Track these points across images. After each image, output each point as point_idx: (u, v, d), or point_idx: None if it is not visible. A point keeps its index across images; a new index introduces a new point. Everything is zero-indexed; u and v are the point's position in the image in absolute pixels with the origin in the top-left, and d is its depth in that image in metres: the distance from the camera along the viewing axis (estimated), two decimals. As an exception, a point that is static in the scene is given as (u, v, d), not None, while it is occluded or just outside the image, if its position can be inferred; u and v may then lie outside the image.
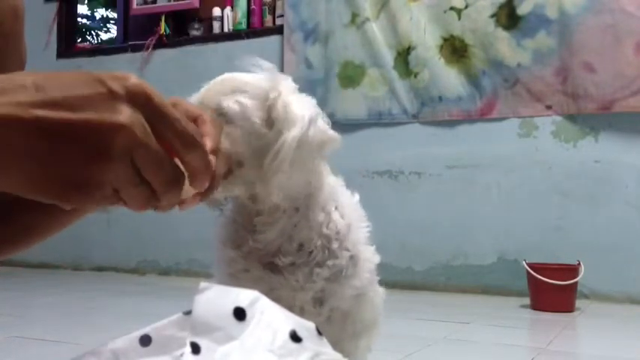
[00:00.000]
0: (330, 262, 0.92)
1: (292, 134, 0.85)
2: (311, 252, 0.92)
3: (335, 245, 0.93)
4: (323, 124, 0.90)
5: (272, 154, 0.86)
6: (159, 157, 0.44)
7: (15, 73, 0.42)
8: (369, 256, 0.99)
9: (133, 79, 0.45)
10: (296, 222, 0.92)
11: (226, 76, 0.91)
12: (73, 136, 0.40)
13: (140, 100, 0.44)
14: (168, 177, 0.45)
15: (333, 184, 0.97)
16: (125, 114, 0.42)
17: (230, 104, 0.86)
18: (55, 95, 0.40)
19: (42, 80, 0.41)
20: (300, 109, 0.88)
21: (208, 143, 0.51)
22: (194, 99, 0.89)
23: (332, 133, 0.91)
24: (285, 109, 0.87)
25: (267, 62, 0.90)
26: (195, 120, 0.53)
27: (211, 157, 0.50)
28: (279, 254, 0.92)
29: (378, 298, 1.04)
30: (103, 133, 0.41)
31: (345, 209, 0.96)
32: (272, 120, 0.87)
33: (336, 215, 0.94)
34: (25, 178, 0.40)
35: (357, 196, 1.01)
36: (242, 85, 0.89)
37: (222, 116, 0.86)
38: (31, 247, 0.61)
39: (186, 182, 0.48)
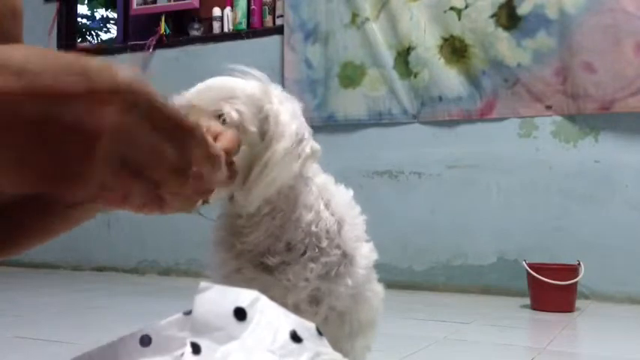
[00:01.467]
0: (322, 260, 0.93)
1: (281, 146, 0.86)
2: (299, 250, 0.92)
3: (325, 243, 0.93)
4: (308, 136, 0.91)
5: (261, 165, 0.87)
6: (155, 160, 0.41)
7: (3, 47, 0.36)
8: (365, 253, 0.98)
9: (124, 74, 0.39)
10: (281, 223, 0.92)
11: (217, 80, 0.90)
12: (49, 134, 0.36)
13: (132, 100, 0.39)
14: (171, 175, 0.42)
15: (322, 183, 0.97)
16: (108, 118, 0.37)
17: (230, 111, 0.86)
18: (35, 85, 0.35)
19: (25, 63, 0.35)
20: (289, 120, 0.89)
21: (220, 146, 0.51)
22: (183, 99, 0.89)
23: (315, 145, 0.92)
24: (276, 121, 0.88)
25: (257, 71, 0.91)
26: (216, 136, 0.53)
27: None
28: (268, 254, 0.92)
29: (377, 299, 1.03)
30: (81, 140, 0.36)
31: (336, 206, 0.96)
32: (264, 130, 0.88)
33: (325, 213, 0.94)
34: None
35: (350, 192, 1.01)
36: (237, 92, 0.88)
37: (218, 119, 0.87)
38: (27, 250, 0.60)
39: None
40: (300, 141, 0.89)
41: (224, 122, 0.86)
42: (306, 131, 0.91)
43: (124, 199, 0.44)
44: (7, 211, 0.55)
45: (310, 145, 0.91)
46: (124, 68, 0.39)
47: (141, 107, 0.39)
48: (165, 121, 0.41)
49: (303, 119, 0.93)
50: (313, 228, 0.93)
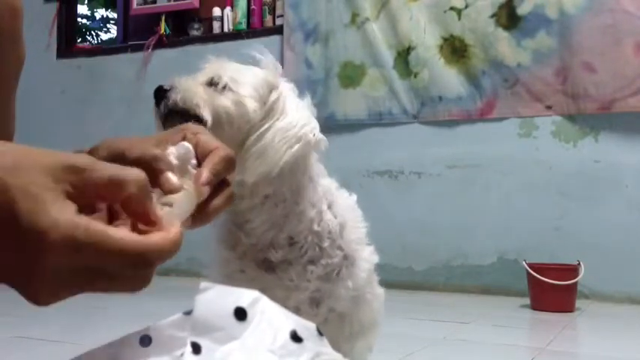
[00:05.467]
0: (323, 261, 0.93)
1: (282, 124, 0.89)
2: (302, 247, 0.92)
3: (326, 244, 0.93)
4: (315, 126, 0.93)
5: (256, 136, 0.88)
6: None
7: None
8: (366, 256, 0.99)
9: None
10: (284, 213, 0.92)
11: (219, 59, 0.94)
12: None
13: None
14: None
15: (327, 185, 0.97)
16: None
17: (223, 75, 0.89)
18: None
19: None
20: (295, 107, 0.92)
21: (204, 174, 0.50)
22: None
23: (320, 134, 0.93)
24: (283, 104, 0.90)
25: (272, 58, 0.93)
26: (209, 152, 0.52)
27: (205, 189, 0.49)
28: (271, 248, 0.92)
29: (377, 301, 1.03)
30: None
31: (339, 209, 0.97)
32: (267, 110, 0.90)
33: (328, 214, 0.95)
34: None
35: (354, 197, 1.02)
36: (240, 67, 0.92)
37: (212, 86, 0.89)
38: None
39: (170, 210, 0.46)
40: (303, 126, 0.90)
41: (217, 88, 0.88)
42: (314, 122, 0.93)
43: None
44: None
45: (315, 133, 0.91)
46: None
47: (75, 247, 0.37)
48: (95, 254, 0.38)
49: (311, 114, 0.94)
50: (315, 227, 0.93)
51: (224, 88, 0.89)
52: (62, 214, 0.37)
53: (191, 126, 0.55)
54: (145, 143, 0.51)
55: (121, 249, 0.38)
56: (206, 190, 0.50)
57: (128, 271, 0.39)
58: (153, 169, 0.48)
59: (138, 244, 0.39)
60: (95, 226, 0.38)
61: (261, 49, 0.95)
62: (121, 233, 0.39)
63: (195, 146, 0.53)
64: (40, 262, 0.37)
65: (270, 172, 0.88)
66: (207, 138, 0.54)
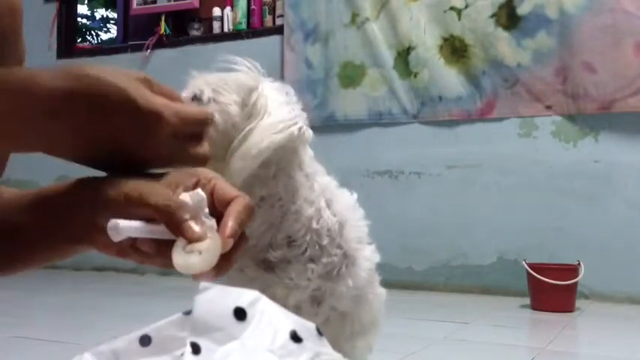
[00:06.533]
0: (324, 259, 0.93)
1: (265, 122, 0.89)
2: (300, 246, 0.93)
3: (325, 241, 0.93)
4: (301, 122, 0.93)
5: (241, 136, 0.89)
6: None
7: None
8: (367, 255, 0.99)
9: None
10: (281, 213, 0.92)
11: (208, 74, 0.95)
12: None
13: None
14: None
15: (325, 183, 0.97)
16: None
17: (202, 86, 0.89)
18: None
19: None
20: (278, 106, 0.92)
21: (229, 224, 0.49)
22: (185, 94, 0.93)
23: (306, 129, 0.94)
24: (262, 101, 0.91)
25: (252, 61, 0.94)
26: (228, 201, 0.51)
27: (230, 241, 0.49)
28: (270, 249, 0.92)
29: (378, 301, 1.03)
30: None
31: (339, 207, 0.97)
32: (250, 111, 0.91)
33: (327, 212, 0.95)
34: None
35: (355, 196, 1.02)
36: (218, 77, 0.93)
37: (199, 101, 0.89)
38: (18, 272, 0.62)
39: (200, 258, 0.47)
40: (285, 121, 0.91)
41: (200, 101, 0.88)
42: (300, 118, 0.93)
43: (119, 252, 0.52)
44: (9, 237, 0.56)
45: (300, 127, 0.92)
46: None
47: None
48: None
49: (299, 111, 0.95)
50: (314, 224, 0.93)
51: (208, 100, 0.90)
52: (163, 101, 0.51)
53: (204, 171, 0.54)
54: (156, 184, 0.51)
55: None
56: (230, 242, 0.49)
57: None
58: (173, 216, 0.48)
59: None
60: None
61: (233, 57, 0.96)
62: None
63: (211, 194, 0.52)
64: (158, 133, 0.50)
65: (250, 166, 0.89)
66: (223, 185, 0.53)
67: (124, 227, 0.48)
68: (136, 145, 0.51)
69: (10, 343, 1.65)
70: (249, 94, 0.91)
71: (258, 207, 0.92)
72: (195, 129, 0.55)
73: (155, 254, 0.50)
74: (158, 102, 0.51)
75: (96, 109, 0.49)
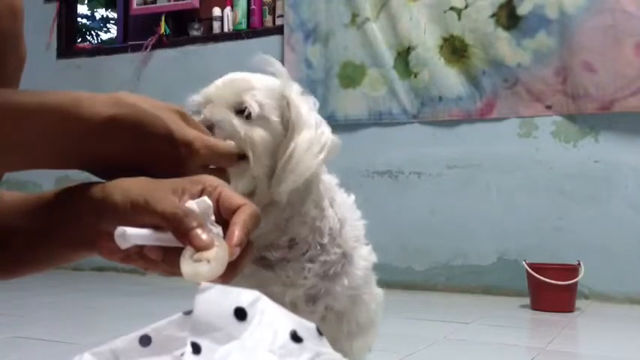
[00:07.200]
0: (321, 258, 0.93)
1: (304, 137, 0.89)
2: (302, 247, 0.93)
3: (326, 240, 0.93)
4: (327, 129, 0.94)
5: (286, 157, 0.88)
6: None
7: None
8: (364, 255, 0.99)
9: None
10: (288, 216, 0.92)
11: (236, 75, 0.93)
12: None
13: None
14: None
15: (328, 181, 0.98)
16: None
17: (250, 101, 0.88)
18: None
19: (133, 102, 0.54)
20: (308, 112, 0.92)
21: (237, 233, 0.49)
22: (201, 95, 0.91)
23: (335, 138, 0.94)
24: (297, 112, 0.90)
25: (279, 64, 0.93)
26: (235, 209, 0.51)
27: (236, 249, 0.49)
28: (271, 248, 0.92)
29: (375, 302, 1.03)
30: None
31: (340, 207, 0.97)
32: (286, 120, 0.90)
33: (330, 211, 0.95)
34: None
35: (352, 197, 1.02)
36: (256, 84, 0.91)
37: (241, 113, 0.88)
38: (19, 277, 0.62)
39: (208, 266, 0.47)
40: (321, 133, 0.92)
41: (248, 116, 0.87)
42: (324, 124, 0.94)
43: (123, 259, 0.52)
44: (12, 241, 0.56)
45: (329, 136, 0.93)
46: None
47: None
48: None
49: (320, 118, 0.95)
50: (317, 223, 0.93)
51: (256, 117, 0.89)
52: (195, 133, 0.57)
53: (210, 178, 0.54)
54: (162, 191, 0.51)
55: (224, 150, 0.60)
56: (237, 251, 0.49)
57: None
58: (181, 224, 0.48)
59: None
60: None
61: (269, 58, 0.94)
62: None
63: (217, 201, 0.51)
64: (189, 162, 0.55)
65: (298, 184, 0.90)
66: (229, 193, 0.52)
67: (132, 235, 0.48)
68: (167, 171, 0.54)
69: (10, 343, 1.65)
70: (286, 105, 0.91)
71: (267, 210, 0.91)
72: (222, 162, 0.60)
73: (162, 262, 0.51)
74: (191, 134, 0.55)
75: (135, 136, 0.52)
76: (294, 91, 0.93)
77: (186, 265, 0.47)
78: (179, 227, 0.48)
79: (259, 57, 0.92)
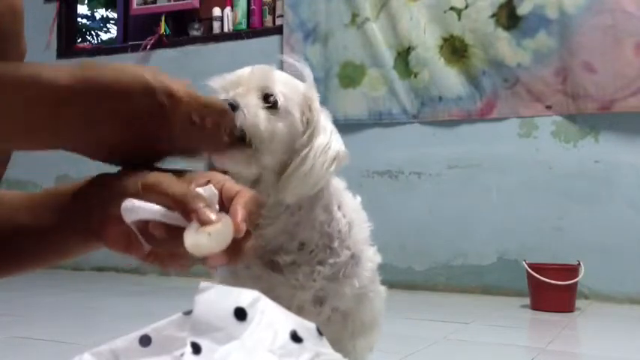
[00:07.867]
0: (331, 260, 0.93)
1: (320, 142, 0.90)
2: (312, 251, 0.93)
3: (336, 244, 0.94)
4: (340, 140, 0.95)
5: (300, 158, 0.88)
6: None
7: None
8: (370, 256, 1.00)
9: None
10: (298, 220, 0.93)
11: (265, 66, 0.93)
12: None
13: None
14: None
15: (336, 184, 0.98)
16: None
17: (279, 92, 0.88)
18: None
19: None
20: (326, 120, 0.93)
21: (240, 211, 0.50)
22: (226, 78, 0.90)
23: (344, 147, 0.95)
24: (318, 115, 0.92)
25: (308, 69, 0.94)
26: (234, 194, 0.52)
27: (242, 225, 0.50)
28: (281, 252, 0.93)
29: (379, 299, 1.04)
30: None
31: (347, 209, 0.98)
32: (305, 121, 0.91)
33: (338, 214, 0.96)
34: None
35: (359, 198, 1.03)
36: (284, 79, 0.92)
37: (267, 101, 0.88)
38: (16, 274, 0.62)
39: (210, 238, 0.48)
40: (335, 141, 0.93)
41: (273, 106, 0.87)
42: (336, 133, 0.95)
43: (126, 247, 0.53)
44: (16, 238, 0.56)
45: (341, 147, 0.94)
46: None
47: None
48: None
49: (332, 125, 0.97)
50: (326, 227, 0.94)
51: (278, 106, 0.88)
52: (178, 83, 0.54)
53: (216, 174, 0.55)
54: (172, 178, 0.52)
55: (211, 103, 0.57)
56: (243, 227, 0.50)
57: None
58: (189, 205, 0.49)
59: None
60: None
61: (298, 59, 0.95)
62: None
63: (220, 192, 0.53)
64: (173, 114, 0.52)
65: (307, 192, 0.90)
66: (232, 185, 0.54)
67: (140, 207, 0.49)
68: (151, 127, 0.51)
69: (10, 343, 1.65)
70: (308, 109, 0.92)
71: (277, 215, 0.92)
72: (211, 115, 0.55)
73: (166, 240, 0.51)
74: (173, 84, 0.53)
75: (107, 94, 0.49)
76: (316, 96, 0.94)
77: (189, 236, 0.48)
78: (187, 207, 0.49)
79: (289, 57, 0.94)
